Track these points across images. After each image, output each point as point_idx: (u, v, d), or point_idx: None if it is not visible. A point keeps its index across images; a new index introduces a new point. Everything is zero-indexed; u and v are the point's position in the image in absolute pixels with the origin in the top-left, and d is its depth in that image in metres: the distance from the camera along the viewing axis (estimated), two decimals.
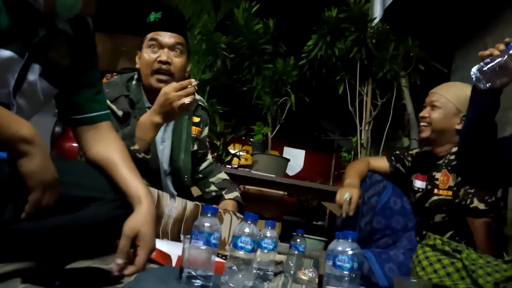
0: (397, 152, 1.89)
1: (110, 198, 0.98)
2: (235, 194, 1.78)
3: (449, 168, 1.64)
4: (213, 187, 1.79)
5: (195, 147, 1.77)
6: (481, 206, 1.51)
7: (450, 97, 1.67)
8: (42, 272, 0.86)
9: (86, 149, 1.09)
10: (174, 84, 1.38)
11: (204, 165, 1.83)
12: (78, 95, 1.09)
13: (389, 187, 1.73)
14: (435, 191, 1.67)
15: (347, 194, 1.53)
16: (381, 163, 1.85)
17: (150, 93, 1.61)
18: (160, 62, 1.53)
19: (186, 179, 1.70)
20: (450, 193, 1.63)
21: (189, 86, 1.38)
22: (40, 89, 0.97)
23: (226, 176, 1.84)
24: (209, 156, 1.87)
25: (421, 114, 1.73)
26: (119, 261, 0.92)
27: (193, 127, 1.78)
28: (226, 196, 1.76)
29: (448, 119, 1.67)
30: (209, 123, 3.06)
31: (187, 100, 1.36)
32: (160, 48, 1.55)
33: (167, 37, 1.55)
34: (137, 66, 1.63)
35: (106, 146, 1.07)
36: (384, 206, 1.69)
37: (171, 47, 1.55)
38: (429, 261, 1.29)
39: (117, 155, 1.05)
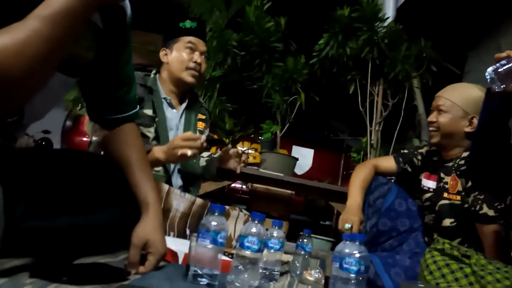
0: (405, 151, 1.85)
1: (123, 197, 0.98)
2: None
3: (458, 173, 1.62)
4: (202, 160, 1.91)
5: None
6: (491, 213, 1.49)
7: (456, 100, 1.64)
8: (49, 267, 0.87)
9: (105, 140, 1.10)
10: (186, 134, 1.57)
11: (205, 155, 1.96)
12: (108, 94, 1.05)
13: (394, 189, 1.72)
14: (445, 194, 1.65)
15: (347, 225, 1.53)
16: (388, 164, 1.82)
17: (166, 86, 1.83)
18: (195, 62, 1.81)
19: (194, 161, 1.83)
20: (458, 198, 1.61)
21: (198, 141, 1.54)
22: (54, 81, 0.95)
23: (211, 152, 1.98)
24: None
25: (429, 119, 1.71)
26: (132, 272, 0.93)
27: (200, 122, 1.93)
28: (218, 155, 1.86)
29: (455, 122, 1.64)
30: (219, 120, 3.11)
31: (189, 152, 1.51)
32: (194, 51, 1.82)
33: (201, 45, 1.84)
34: (165, 61, 1.83)
35: (124, 145, 1.06)
36: (389, 208, 1.68)
37: (202, 53, 1.84)
38: (437, 266, 1.28)
39: (133, 156, 1.05)
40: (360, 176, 1.72)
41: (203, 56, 1.85)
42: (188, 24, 1.83)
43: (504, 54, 1.16)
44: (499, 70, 1.16)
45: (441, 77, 3.11)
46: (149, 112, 1.74)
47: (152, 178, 1.06)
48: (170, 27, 1.86)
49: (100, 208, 0.91)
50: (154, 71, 1.88)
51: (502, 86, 1.17)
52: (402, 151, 1.87)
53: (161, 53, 1.85)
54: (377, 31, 3.08)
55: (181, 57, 1.80)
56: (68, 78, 0.96)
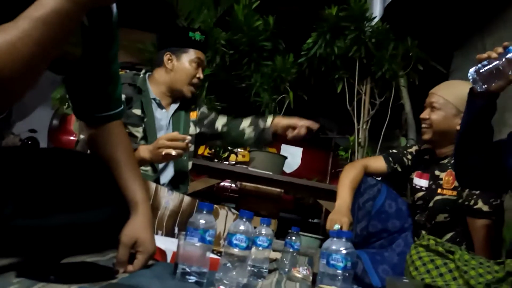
0: (395, 151, 1.86)
1: (112, 196, 0.97)
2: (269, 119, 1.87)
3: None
4: (248, 132, 1.88)
5: (198, 130, 1.93)
6: (485, 208, 1.51)
7: (449, 98, 1.65)
8: (37, 266, 0.87)
9: (91, 140, 1.09)
10: (171, 134, 1.57)
11: (221, 122, 1.94)
12: (94, 92, 1.04)
13: (384, 190, 1.71)
14: (439, 190, 1.65)
15: (337, 225, 1.52)
16: (378, 164, 1.82)
17: (157, 88, 1.84)
18: (199, 78, 1.88)
19: (184, 158, 1.82)
20: (455, 193, 1.61)
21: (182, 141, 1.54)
22: (43, 79, 0.94)
23: (248, 120, 1.92)
24: (218, 115, 1.97)
25: (422, 115, 1.71)
26: (121, 270, 0.94)
27: (191, 112, 1.94)
28: (266, 123, 1.85)
29: (448, 120, 1.64)
30: None
31: (173, 152, 1.51)
32: (199, 66, 1.87)
33: (205, 60, 1.91)
34: (168, 66, 1.84)
35: (112, 144, 1.06)
36: (379, 210, 1.68)
37: (204, 68, 1.91)
38: (423, 261, 1.30)
39: (121, 155, 1.05)
40: (349, 177, 1.72)
41: (203, 70, 1.91)
42: (198, 36, 1.88)
43: (485, 55, 1.18)
44: (481, 70, 1.19)
45: (427, 76, 3.15)
46: (137, 112, 1.74)
47: (141, 177, 1.06)
48: (179, 34, 1.88)
49: (89, 207, 0.91)
50: (143, 71, 1.88)
51: (484, 86, 1.20)
52: (391, 151, 1.87)
53: (165, 57, 1.85)
54: (364, 30, 3.11)
55: (188, 71, 1.84)
56: (56, 76, 0.96)
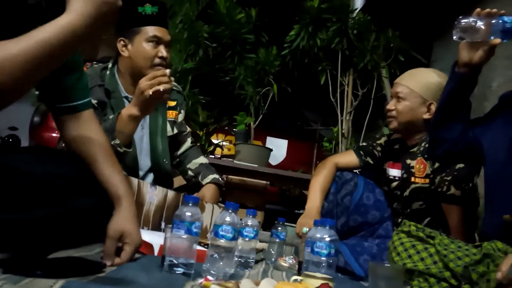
0: (364, 144, 1.85)
1: (94, 190, 0.97)
2: (212, 176, 1.76)
3: (426, 156, 1.65)
4: (190, 173, 1.79)
5: (175, 131, 1.79)
6: (458, 193, 1.54)
7: (414, 87, 1.64)
8: (23, 262, 0.87)
9: (67, 139, 1.08)
10: (149, 75, 1.41)
11: (182, 149, 1.83)
12: (59, 81, 1.02)
13: (360, 183, 1.70)
14: (412, 179, 1.67)
15: (305, 228, 1.51)
16: (349, 159, 1.81)
17: (127, 82, 1.65)
18: (162, 57, 1.61)
19: (165, 162, 1.72)
20: (427, 181, 1.64)
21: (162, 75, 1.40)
22: None
23: (204, 160, 1.82)
24: (189, 140, 1.85)
25: (388, 106, 1.70)
26: (108, 263, 0.95)
27: (170, 111, 1.79)
28: (203, 182, 1.75)
29: (413, 110, 1.64)
30: (192, 113, 3.08)
31: (160, 87, 1.37)
32: (159, 44, 1.62)
33: (165, 34, 1.64)
34: (124, 54, 1.63)
35: (87, 139, 1.05)
36: (358, 203, 1.67)
37: (167, 44, 1.64)
38: (404, 247, 1.34)
39: (98, 149, 1.04)
40: (319, 178, 1.71)
41: (168, 46, 1.66)
42: (148, 9, 1.61)
43: (477, 11, 1.21)
44: (462, 21, 1.23)
45: (408, 66, 3.18)
46: (111, 117, 1.55)
47: (121, 171, 1.05)
48: (127, 12, 1.61)
49: (70, 198, 0.91)
50: (110, 64, 1.68)
51: (457, 36, 1.24)
52: (361, 144, 1.87)
53: (119, 44, 1.63)
54: (346, 22, 3.13)
55: (145, 52, 1.60)
56: None
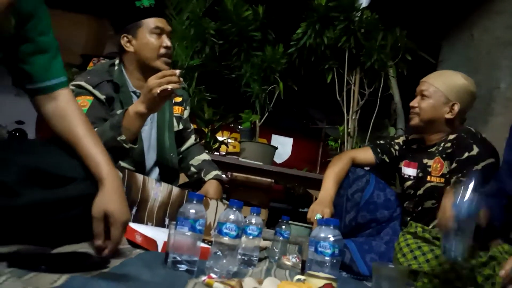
0: (382, 141, 1.87)
1: (85, 176, 0.96)
2: (214, 172, 1.78)
3: (444, 155, 1.64)
4: (193, 169, 1.81)
5: (181, 126, 1.82)
6: None
7: (440, 86, 1.66)
8: (28, 256, 0.87)
9: (48, 121, 1.05)
10: (159, 73, 1.42)
11: (186, 145, 1.85)
12: (30, 62, 0.99)
13: (372, 181, 1.73)
14: (428, 178, 1.66)
15: (318, 215, 1.52)
16: (366, 155, 1.83)
17: (134, 77, 1.69)
18: (166, 47, 1.65)
19: (173, 156, 1.74)
20: (442, 180, 1.62)
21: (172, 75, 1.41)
22: None
23: (206, 157, 1.85)
24: (193, 137, 1.88)
25: (411, 103, 1.73)
26: (97, 242, 0.93)
27: (177, 107, 1.82)
28: (205, 178, 1.77)
29: (437, 108, 1.66)
30: (198, 110, 3.09)
31: (169, 86, 1.38)
32: (161, 35, 1.65)
33: (166, 24, 1.68)
34: (129, 50, 1.66)
35: (67, 120, 1.02)
36: (368, 201, 1.69)
37: (168, 34, 1.68)
38: (410, 248, 1.33)
39: (79, 129, 1.01)
40: (335, 169, 1.73)
41: (169, 36, 1.69)
42: (146, 2, 1.64)
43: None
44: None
45: (416, 66, 3.17)
46: (119, 112, 1.57)
47: (104, 150, 1.02)
48: (125, 8, 1.66)
49: (61, 184, 0.91)
50: (117, 61, 1.71)
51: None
52: (378, 141, 1.88)
53: (123, 41, 1.66)
54: (353, 20, 3.11)
55: (151, 44, 1.63)
56: None
